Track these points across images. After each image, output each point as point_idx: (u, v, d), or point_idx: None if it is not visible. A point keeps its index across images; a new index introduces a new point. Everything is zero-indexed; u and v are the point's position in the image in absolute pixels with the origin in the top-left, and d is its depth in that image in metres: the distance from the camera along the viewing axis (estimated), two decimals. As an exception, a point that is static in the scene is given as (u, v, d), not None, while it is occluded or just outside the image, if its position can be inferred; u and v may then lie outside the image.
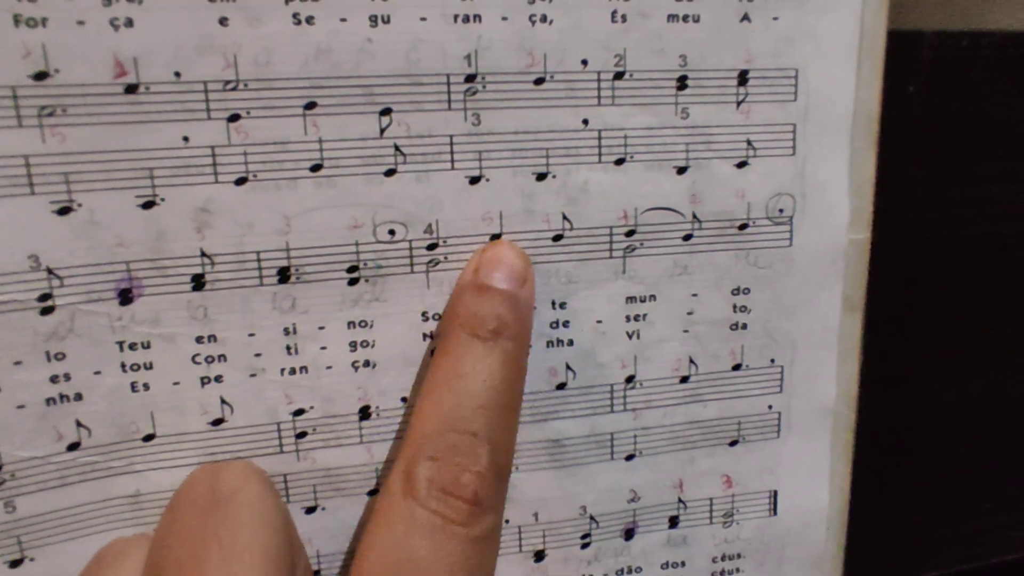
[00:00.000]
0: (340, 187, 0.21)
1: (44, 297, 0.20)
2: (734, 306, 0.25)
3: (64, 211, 0.20)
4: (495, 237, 0.23)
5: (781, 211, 0.24)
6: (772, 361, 0.26)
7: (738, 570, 0.27)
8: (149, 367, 0.21)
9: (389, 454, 0.23)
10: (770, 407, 0.26)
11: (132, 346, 0.21)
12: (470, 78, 0.22)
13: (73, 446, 0.21)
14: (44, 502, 0.21)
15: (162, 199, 0.20)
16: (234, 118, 0.20)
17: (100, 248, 0.20)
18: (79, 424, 0.21)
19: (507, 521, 0.25)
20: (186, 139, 0.20)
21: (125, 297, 0.21)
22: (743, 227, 0.24)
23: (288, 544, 0.20)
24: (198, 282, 0.21)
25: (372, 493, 0.23)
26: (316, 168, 0.21)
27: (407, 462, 0.20)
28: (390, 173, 0.22)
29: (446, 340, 0.21)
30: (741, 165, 0.24)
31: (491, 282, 0.22)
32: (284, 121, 0.21)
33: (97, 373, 0.21)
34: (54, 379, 0.21)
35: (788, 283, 0.25)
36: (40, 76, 0.19)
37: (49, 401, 0.21)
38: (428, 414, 0.21)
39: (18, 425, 0.20)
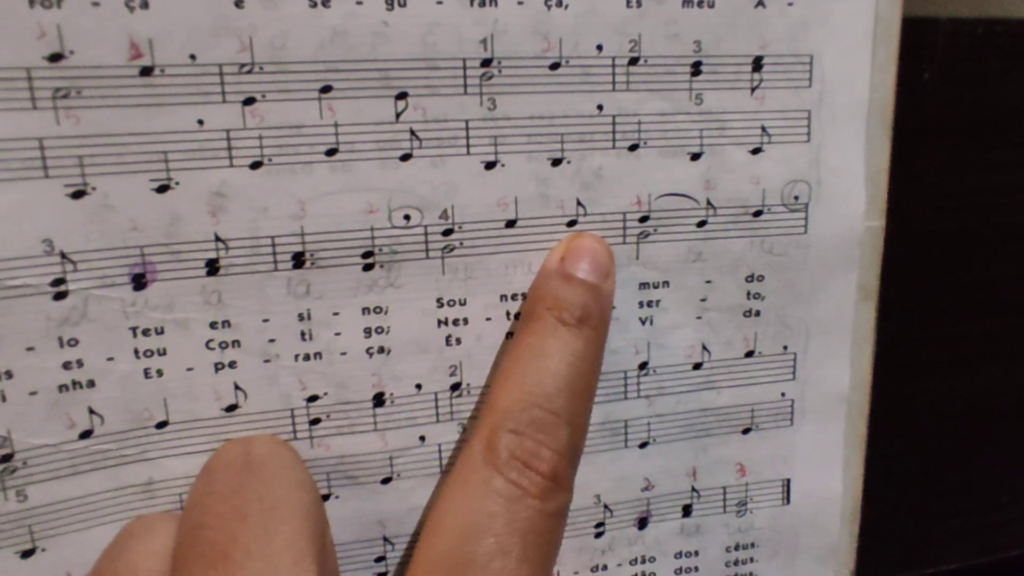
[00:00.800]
0: (355, 172, 0.21)
1: (57, 282, 0.20)
2: (748, 293, 0.25)
3: (78, 195, 0.20)
4: (510, 223, 0.23)
5: (796, 198, 0.24)
6: (785, 348, 0.25)
7: (752, 559, 0.27)
8: (163, 353, 0.21)
9: (403, 441, 0.23)
10: (783, 395, 0.26)
11: (145, 332, 0.21)
12: (486, 63, 0.21)
13: (86, 434, 0.21)
14: (56, 491, 0.21)
15: (177, 183, 0.20)
16: (249, 101, 0.20)
17: (114, 232, 0.20)
18: (92, 411, 0.21)
19: (521, 510, 0.25)
20: (201, 122, 0.20)
21: (139, 282, 0.21)
22: (758, 214, 0.24)
23: (321, 505, 0.20)
24: (212, 267, 0.21)
25: (386, 481, 0.23)
26: (331, 152, 0.21)
27: (490, 431, 0.21)
28: (406, 158, 0.22)
29: (532, 321, 0.22)
30: (756, 151, 0.24)
31: (577, 272, 0.22)
32: (299, 105, 0.21)
33: (110, 359, 0.21)
34: (67, 365, 0.20)
35: (802, 270, 0.25)
36: (55, 57, 0.19)
37: (62, 388, 0.20)
38: (512, 388, 0.21)
39: (30, 412, 0.20)
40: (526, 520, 0.20)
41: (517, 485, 0.20)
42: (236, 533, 0.18)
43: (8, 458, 0.20)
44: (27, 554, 0.21)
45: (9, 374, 0.20)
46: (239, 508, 0.19)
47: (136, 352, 0.21)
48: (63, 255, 0.20)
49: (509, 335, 0.23)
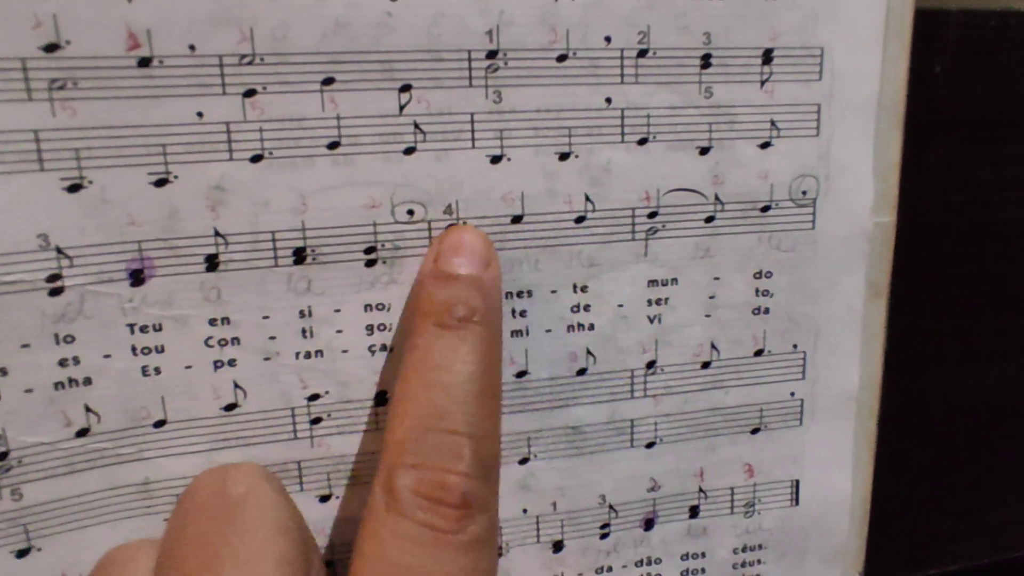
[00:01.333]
0: (358, 165, 0.21)
1: (53, 277, 0.19)
2: (756, 290, 0.24)
3: (74, 188, 0.19)
4: (517, 219, 0.22)
5: (805, 193, 0.24)
6: (795, 347, 0.25)
7: (760, 561, 0.27)
8: (160, 350, 0.21)
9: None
10: (792, 394, 0.25)
11: (143, 328, 0.20)
12: (492, 54, 0.21)
13: (82, 432, 0.20)
14: (52, 490, 0.20)
15: (175, 176, 0.20)
16: (250, 93, 0.20)
17: (111, 227, 0.20)
18: (88, 409, 0.20)
19: (524, 511, 0.24)
20: (200, 115, 0.20)
21: (136, 278, 0.20)
22: (766, 209, 0.24)
23: (303, 546, 0.19)
24: (212, 262, 0.21)
25: (388, 481, 0.23)
26: (333, 146, 0.21)
27: (386, 473, 0.19)
28: (409, 151, 0.21)
29: (412, 334, 0.20)
30: (765, 146, 0.23)
31: (452, 268, 0.21)
32: (301, 97, 0.20)
33: (107, 356, 0.20)
34: (63, 363, 0.20)
35: (811, 267, 0.24)
36: (51, 48, 0.18)
37: (57, 385, 0.20)
38: (402, 417, 0.19)
39: (26, 410, 0.20)
40: (448, 562, 0.18)
41: (427, 525, 0.18)
42: None
43: (3, 456, 0.20)
44: (22, 553, 0.20)
45: (4, 371, 0.19)
46: (210, 563, 0.17)
47: (134, 349, 0.20)
48: (59, 250, 0.19)
49: (514, 333, 0.23)
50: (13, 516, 0.20)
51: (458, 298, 0.20)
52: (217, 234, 0.20)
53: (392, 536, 0.18)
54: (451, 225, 0.22)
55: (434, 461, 0.19)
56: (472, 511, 0.19)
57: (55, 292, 0.20)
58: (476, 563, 0.19)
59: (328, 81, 0.20)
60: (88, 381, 0.20)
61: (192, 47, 0.19)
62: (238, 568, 0.17)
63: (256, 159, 0.20)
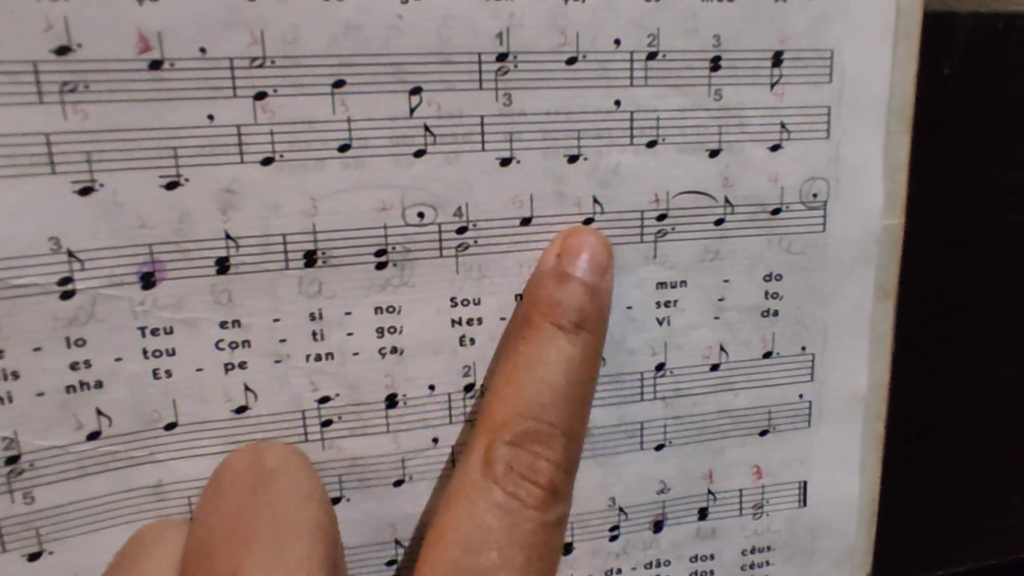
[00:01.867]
0: (369, 168, 0.21)
1: (64, 281, 0.19)
2: (766, 292, 0.24)
3: (86, 191, 0.19)
4: (526, 221, 0.22)
5: (815, 195, 0.24)
6: (803, 349, 0.25)
7: (768, 563, 0.27)
8: (172, 353, 0.21)
9: (416, 443, 0.23)
10: (801, 396, 0.25)
11: (154, 331, 0.20)
12: (502, 57, 0.21)
13: (93, 435, 0.20)
14: (64, 493, 0.20)
15: (186, 179, 0.20)
16: (260, 96, 0.20)
17: (122, 230, 0.20)
18: (100, 412, 0.20)
19: (534, 513, 0.24)
20: (211, 117, 0.20)
21: (147, 281, 0.20)
22: (776, 212, 0.24)
23: (334, 518, 0.20)
24: (222, 265, 0.21)
25: (398, 484, 0.23)
26: (344, 148, 0.21)
27: (487, 444, 0.20)
28: (420, 154, 0.21)
29: (528, 327, 0.21)
30: (774, 148, 0.23)
31: (574, 271, 0.22)
32: (312, 100, 0.20)
33: (118, 360, 0.20)
34: (74, 366, 0.20)
35: (821, 269, 0.24)
36: (62, 51, 0.18)
37: (69, 389, 0.20)
38: (508, 399, 0.21)
39: (37, 413, 0.20)
40: (527, 532, 0.20)
41: (516, 497, 0.20)
42: (241, 561, 0.18)
43: (15, 460, 0.20)
44: (34, 557, 0.20)
45: (16, 375, 0.19)
46: (245, 529, 0.18)
47: (145, 352, 0.20)
48: (70, 253, 0.19)
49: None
50: (25, 519, 0.20)
51: (575, 302, 0.21)
52: (228, 237, 0.20)
53: (483, 499, 0.20)
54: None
55: (531, 445, 0.20)
56: (555, 497, 0.20)
57: (66, 295, 0.20)
58: (550, 543, 0.20)
59: (339, 84, 0.20)
60: (99, 384, 0.20)
61: (203, 50, 0.19)
62: (273, 534, 0.18)
63: (267, 162, 0.20)
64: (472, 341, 0.23)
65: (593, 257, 0.22)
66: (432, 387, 0.23)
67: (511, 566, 0.19)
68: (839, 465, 0.26)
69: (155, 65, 0.19)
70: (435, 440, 0.23)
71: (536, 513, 0.20)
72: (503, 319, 0.23)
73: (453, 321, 0.22)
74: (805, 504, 0.26)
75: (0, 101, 0.18)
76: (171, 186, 0.20)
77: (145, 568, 0.19)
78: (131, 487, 0.21)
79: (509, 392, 0.21)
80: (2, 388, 0.19)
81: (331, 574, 0.19)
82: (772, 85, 0.23)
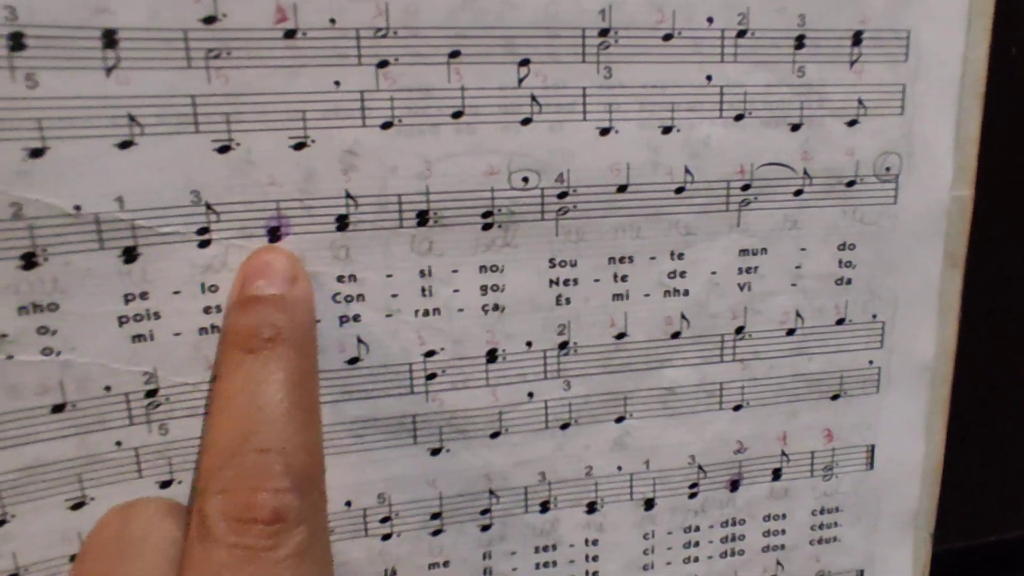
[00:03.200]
0: (479, 134, 0.22)
1: (202, 231, 0.21)
2: (840, 261, 0.26)
3: (224, 149, 0.21)
4: (622, 188, 0.23)
5: (888, 169, 0.25)
6: (874, 317, 0.26)
7: (836, 524, 0.28)
8: (293, 305, 0.22)
9: (512, 397, 0.24)
10: (871, 362, 0.27)
11: (279, 283, 0.22)
12: (604, 32, 0.22)
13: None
14: (193, 428, 0.22)
15: (313, 141, 0.21)
16: (383, 64, 0.21)
17: (253, 186, 0.21)
18: (225, 358, 0.22)
19: (619, 468, 0.25)
20: (337, 83, 0.21)
21: (274, 235, 0.22)
22: (851, 184, 0.25)
23: None
24: (342, 223, 0.22)
25: (494, 436, 0.24)
26: (457, 115, 0.22)
27: (199, 503, 0.19)
28: (526, 122, 0.23)
29: (218, 364, 0.21)
30: (852, 123, 0.25)
31: (256, 292, 0.21)
32: (429, 68, 0.22)
33: (244, 309, 0.22)
34: (206, 310, 0.21)
35: (892, 240, 0.26)
36: (209, 20, 0.20)
37: (201, 331, 0.21)
38: (213, 445, 0.20)
39: (174, 352, 0.21)
40: None
41: (240, 547, 0.18)
42: None
43: (153, 393, 0.21)
44: (165, 484, 0.22)
45: (158, 315, 0.21)
46: None
47: (268, 303, 0.22)
48: (208, 206, 0.21)
49: (616, 296, 0.24)
50: (159, 449, 0.21)
51: (264, 319, 0.20)
52: (348, 196, 0.22)
53: (207, 565, 0.18)
54: (253, 251, 0.21)
55: (242, 482, 0.19)
56: (287, 524, 0.19)
57: (203, 244, 0.21)
58: (301, 569, 0.19)
59: (454, 54, 0.22)
60: (227, 332, 0.22)
61: (333, 20, 0.21)
62: None
63: (386, 126, 0.22)
64: (568, 301, 0.24)
65: (275, 271, 0.21)
66: (529, 343, 0.24)
67: None
68: (905, 430, 0.27)
69: (289, 34, 0.21)
70: (530, 394, 0.24)
71: (270, 553, 0.18)
72: (597, 281, 0.24)
73: (551, 281, 0.24)
74: (872, 467, 0.28)
75: (154, 65, 0.20)
76: (299, 147, 0.21)
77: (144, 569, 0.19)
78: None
79: (212, 436, 0.20)
80: (145, 326, 0.21)
81: None
82: (852, 63, 0.24)
